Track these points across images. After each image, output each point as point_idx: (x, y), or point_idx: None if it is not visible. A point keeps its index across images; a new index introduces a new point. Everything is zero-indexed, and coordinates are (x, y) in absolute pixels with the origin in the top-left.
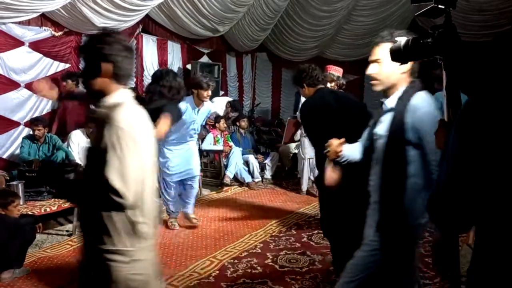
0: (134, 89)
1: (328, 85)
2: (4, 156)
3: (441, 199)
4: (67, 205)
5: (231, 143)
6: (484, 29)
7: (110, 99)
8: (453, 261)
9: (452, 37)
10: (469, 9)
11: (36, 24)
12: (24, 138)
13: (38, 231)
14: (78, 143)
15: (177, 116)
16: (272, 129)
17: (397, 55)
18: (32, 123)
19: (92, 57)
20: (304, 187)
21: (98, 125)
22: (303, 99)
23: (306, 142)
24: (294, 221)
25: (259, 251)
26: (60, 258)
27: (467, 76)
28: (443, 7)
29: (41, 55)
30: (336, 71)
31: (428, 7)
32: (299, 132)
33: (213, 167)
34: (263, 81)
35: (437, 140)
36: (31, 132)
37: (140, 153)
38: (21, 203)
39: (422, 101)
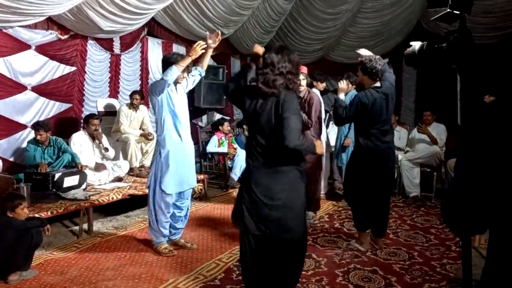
0: (138, 92)
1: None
2: (11, 159)
3: (455, 200)
4: (73, 207)
5: (235, 146)
6: (488, 31)
7: None
8: (465, 266)
9: (467, 42)
10: (475, 12)
11: (42, 27)
12: (28, 142)
13: (46, 233)
14: (80, 144)
15: None
16: None
17: (411, 60)
18: (34, 127)
19: None
20: None
21: None
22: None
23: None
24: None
25: None
26: (66, 260)
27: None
28: (458, 12)
29: (47, 58)
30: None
31: (443, 12)
32: None
33: (218, 169)
34: None
35: (450, 144)
36: (34, 136)
37: None
38: (27, 205)
39: None
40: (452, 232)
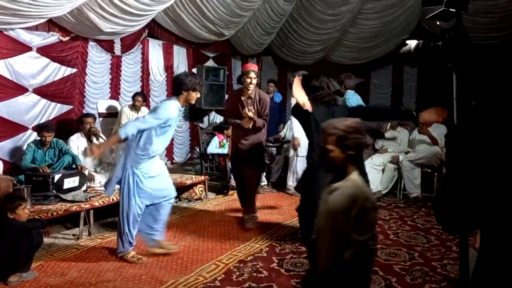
0: (141, 94)
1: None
2: (12, 160)
3: (447, 200)
4: (73, 209)
5: None
6: (488, 31)
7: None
8: (463, 265)
9: (463, 41)
10: (475, 11)
11: (43, 29)
12: (29, 144)
13: (46, 235)
14: (77, 147)
15: None
16: (278, 132)
17: (407, 58)
18: (42, 129)
19: None
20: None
21: None
22: None
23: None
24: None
25: (265, 254)
26: (67, 262)
27: (478, 80)
28: (454, 10)
29: (48, 60)
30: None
31: (439, 10)
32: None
33: (218, 171)
34: None
35: (446, 144)
36: (37, 138)
37: None
38: (28, 206)
39: None
40: (444, 230)
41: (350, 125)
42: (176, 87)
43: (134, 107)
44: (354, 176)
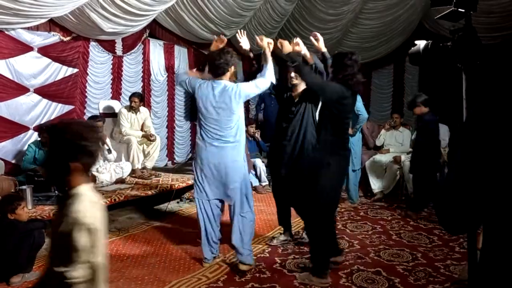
0: (137, 95)
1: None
2: (13, 161)
3: (447, 200)
4: None
5: None
6: (490, 31)
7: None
8: (471, 266)
9: (472, 41)
10: (478, 11)
11: (44, 29)
12: (29, 145)
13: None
14: None
15: None
16: None
17: (416, 59)
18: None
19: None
20: None
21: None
22: None
23: None
24: (301, 225)
25: (267, 255)
26: None
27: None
28: (463, 10)
29: (50, 60)
30: None
31: (448, 11)
32: None
33: None
34: None
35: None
36: (37, 139)
37: None
38: (30, 207)
39: None
40: (445, 229)
41: (77, 130)
42: (220, 68)
43: (132, 108)
44: (78, 190)
